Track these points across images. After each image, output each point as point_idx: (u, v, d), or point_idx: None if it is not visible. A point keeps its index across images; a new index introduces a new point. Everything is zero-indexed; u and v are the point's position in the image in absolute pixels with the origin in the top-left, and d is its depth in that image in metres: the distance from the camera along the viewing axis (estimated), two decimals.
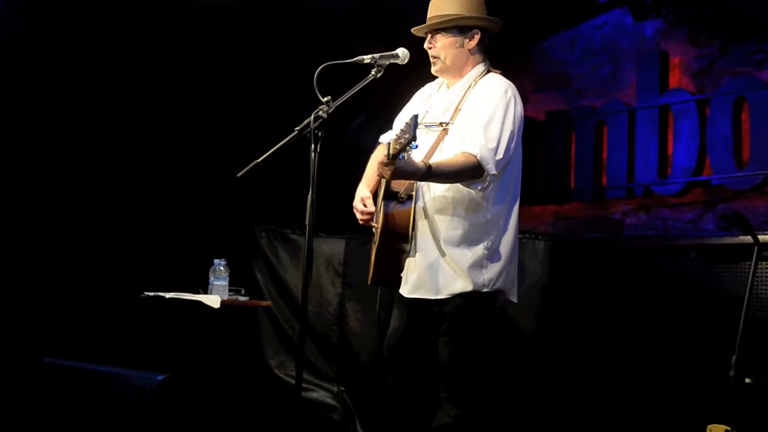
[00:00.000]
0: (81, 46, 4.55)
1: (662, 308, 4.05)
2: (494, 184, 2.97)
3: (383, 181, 3.02)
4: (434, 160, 2.91)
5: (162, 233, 4.86)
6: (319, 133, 2.74)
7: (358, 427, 4.82)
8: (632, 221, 4.95)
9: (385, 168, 2.75)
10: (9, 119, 4.38)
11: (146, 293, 4.17)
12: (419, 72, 3.26)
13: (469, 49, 3.07)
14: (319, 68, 2.82)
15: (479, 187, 2.92)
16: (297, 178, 3.20)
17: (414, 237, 3.02)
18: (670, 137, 4.83)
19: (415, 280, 3.04)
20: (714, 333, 3.76)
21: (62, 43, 4.49)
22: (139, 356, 4.07)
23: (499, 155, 2.90)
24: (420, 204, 3.03)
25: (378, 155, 3.31)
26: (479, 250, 2.98)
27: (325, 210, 3.18)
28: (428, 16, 3.08)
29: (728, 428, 3.19)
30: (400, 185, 2.99)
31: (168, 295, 4.11)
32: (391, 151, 2.69)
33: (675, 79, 4.90)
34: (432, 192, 3.03)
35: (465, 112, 3.01)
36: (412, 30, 3.14)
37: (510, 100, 2.98)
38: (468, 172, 2.88)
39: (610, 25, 5.27)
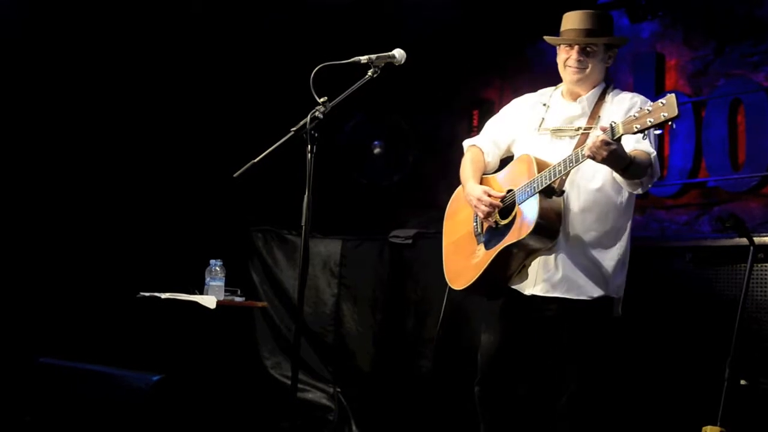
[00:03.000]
0: (77, 46, 4.54)
1: (658, 310, 4.05)
2: (632, 193, 3.07)
3: (540, 174, 2.99)
4: (632, 153, 2.91)
5: (158, 233, 4.85)
6: (315, 134, 2.74)
7: (354, 428, 4.82)
8: None
9: (604, 147, 2.74)
10: (6, 119, 4.37)
11: (142, 293, 4.16)
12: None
13: (607, 66, 3.22)
14: (316, 69, 2.82)
15: (640, 190, 3.02)
16: (293, 178, 3.20)
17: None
18: (666, 139, 4.83)
19: (558, 279, 3.04)
20: (709, 335, 3.76)
21: (59, 43, 4.48)
22: (134, 357, 4.06)
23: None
24: (567, 200, 3.06)
25: (473, 154, 3.38)
26: (615, 255, 3.08)
27: (321, 210, 3.19)
28: (578, 27, 3.15)
29: (723, 430, 3.20)
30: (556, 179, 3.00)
31: (164, 296, 4.10)
32: (622, 131, 2.72)
33: (671, 81, 4.90)
34: (578, 189, 3.07)
35: (607, 119, 3.00)
36: (553, 39, 3.23)
37: None
38: (646, 170, 2.95)
39: None
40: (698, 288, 3.94)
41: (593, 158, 2.80)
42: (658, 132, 2.82)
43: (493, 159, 3.40)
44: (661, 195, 4.80)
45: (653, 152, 2.97)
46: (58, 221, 4.55)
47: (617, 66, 5.18)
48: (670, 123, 2.65)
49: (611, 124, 2.76)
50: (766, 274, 3.72)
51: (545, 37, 3.27)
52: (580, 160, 2.87)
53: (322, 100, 2.78)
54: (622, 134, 2.73)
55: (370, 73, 2.93)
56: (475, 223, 3.27)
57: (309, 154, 2.73)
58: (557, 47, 3.24)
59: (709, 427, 3.23)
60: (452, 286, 3.33)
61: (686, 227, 4.73)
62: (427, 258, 4.52)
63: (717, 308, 3.79)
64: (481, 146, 3.41)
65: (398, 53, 2.99)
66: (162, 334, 4.48)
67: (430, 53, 4.97)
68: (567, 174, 2.99)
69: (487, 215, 3.14)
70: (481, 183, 3.29)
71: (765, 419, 3.51)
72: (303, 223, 2.72)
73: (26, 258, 4.44)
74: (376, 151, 5.43)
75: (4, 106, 4.35)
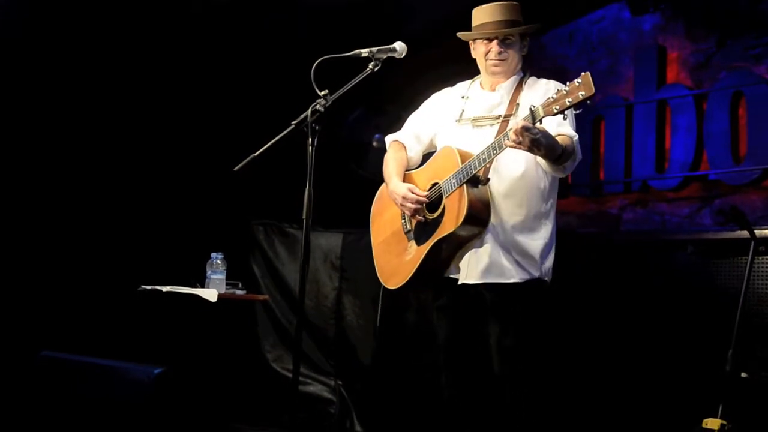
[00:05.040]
0: (77, 45, 4.53)
1: (659, 303, 4.05)
2: (555, 176, 3.08)
3: (465, 165, 2.99)
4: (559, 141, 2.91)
5: (159, 227, 4.85)
6: (317, 127, 2.74)
7: (355, 421, 4.83)
8: (629, 216, 4.96)
9: (526, 133, 2.70)
10: (7, 117, 4.37)
11: (143, 287, 4.16)
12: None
13: (523, 54, 3.24)
14: (317, 62, 2.82)
15: (563, 174, 3.04)
16: (294, 171, 3.20)
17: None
18: (668, 132, 4.83)
19: (486, 265, 3.03)
20: (710, 328, 3.77)
21: (59, 38, 4.48)
22: (136, 350, 4.06)
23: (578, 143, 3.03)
24: (491, 187, 3.06)
25: (395, 150, 3.38)
26: (541, 238, 3.08)
27: (322, 204, 3.18)
28: (495, 20, 3.14)
29: (724, 422, 3.21)
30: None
31: (165, 289, 4.11)
32: (542, 113, 2.70)
33: (672, 73, 4.89)
34: (501, 175, 3.06)
35: (526, 106, 2.98)
36: (470, 34, 3.19)
37: None
38: (569, 155, 2.96)
39: (608, 20, 5.27)
40: (699, 280, 3.95)
41: (521, 147, 2.77)
42: (577, 112, 2.81)
43: (415, 154, 3.40)
44: (663, 188, 4.80)
45: (575, 135, 2.99)
46: (59, 215, 4.55)
47: (618, 59, 5.18)
48: (588, 101, 2.65)
49: (531, 108, 2.75)
50: (767, 267, 3.73)
51: (459, 34, 3.24)
52: (503, 147, 2.86)
53: (323, 93, 2.78)
54: (543, 116, 2.72)
55: (371, 66, 2.94)
56: (403, 221, 3.28)
57: (310, 147, 2.73)
58: (472, 42, 3.24)
59: (710, 420, 3.25)
60: (387, 286, 3.34)
61: (687, 220, 4.73)
62: None
63: (718, 301, 3.80)
64: (404, 141, 3.40)
65: (399, 46, 3.00)
66: (163, 327, 4.48)
67: (430, 49, 4.96)
68: (491, 162, 2.99)
69: (415, 212, 3.15)
70: (404, 180, 3.28)
71: (766, 412, 3.52)
72: (304, 217, 2.72)
73: (28, 252, 4.45)
74: (377, 144, 5.43)
75: (4, 104, 4.35)
